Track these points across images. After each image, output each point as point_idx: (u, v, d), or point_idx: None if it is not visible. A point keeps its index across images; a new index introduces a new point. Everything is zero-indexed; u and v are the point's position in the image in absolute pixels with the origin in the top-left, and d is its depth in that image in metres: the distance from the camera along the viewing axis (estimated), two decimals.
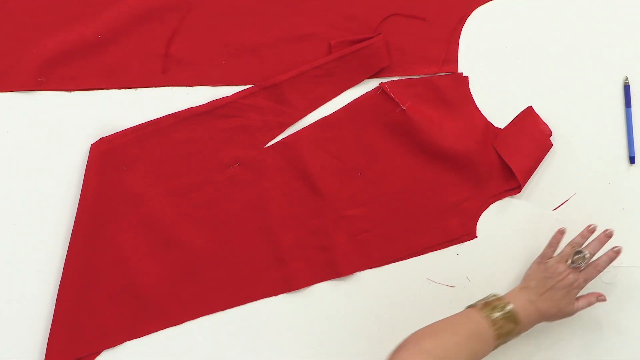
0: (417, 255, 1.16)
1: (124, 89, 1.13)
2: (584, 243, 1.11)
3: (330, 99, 1.15)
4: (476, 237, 1.17)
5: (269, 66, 1.14)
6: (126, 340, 1.12)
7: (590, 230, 1.11)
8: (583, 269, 1.09)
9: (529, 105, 1.17)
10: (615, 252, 1.10)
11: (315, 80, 1.14)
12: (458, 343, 0.97)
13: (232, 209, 1.13)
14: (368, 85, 1.15)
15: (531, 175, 1.17)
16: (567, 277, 1.07)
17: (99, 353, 1.12)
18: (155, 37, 1.12)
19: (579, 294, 1.10)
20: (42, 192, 1.11)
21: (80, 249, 1.10)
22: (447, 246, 1.17)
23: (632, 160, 1.18)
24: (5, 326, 1.11)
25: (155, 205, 1.11)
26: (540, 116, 1.17)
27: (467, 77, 1.17)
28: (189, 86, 1.13)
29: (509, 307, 1.03)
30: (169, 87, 1.13)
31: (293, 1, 1.14)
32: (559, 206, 1.18)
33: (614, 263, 1.16)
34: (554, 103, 1.17)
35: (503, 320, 1.02)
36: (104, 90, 1.12)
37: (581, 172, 1.18)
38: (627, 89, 1.18)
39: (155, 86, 1.13)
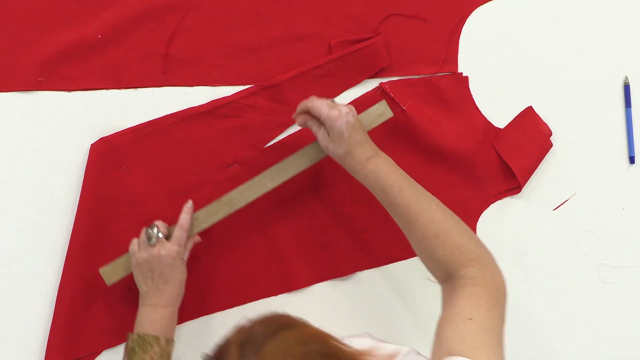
0: (417, 255, 1.16)
1: (124, 89, 1.13)
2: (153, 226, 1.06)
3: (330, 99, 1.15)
4: None
5: (269, 66, 1.14)
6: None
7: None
8: (161, 237, 1.04)
9: (529, 105, 1.17)
10: (188, 207, 1.07)
11: (315, 80, 1.14)
12: None
13: None
14: (368, 85, 1.15)
15: (531, 175, 1.17)
16: (158, 252, 1.03)
17: (99, 353, 1.12)
18: (155, 37, 1.12)
19: None
20: (42, 192, 1.11)
21: (80, 249, 1.10)
22: None
23: (632, 160, 1.18)
24: (5, 326, 1.11)
25: (155, 205, 1.11)
26: (540, 116, 1.17)
27: (467, 77, 1.17)
28: (189, 86, 1.13)
29: (134, 339, 1.01)
30: (169, 87, 1.13)
31: (293, 1, 1.14)
32: (559, 206, 1.18)
33: (613, 263, 1.16)
34: (554, 103, 1.17)
35: (144, 352, 1.00)
36: (104, 90, 1.12)
37: (581, 172, 1.18)
38: (627, 89, 1.18)
39: (155, 86, 1.13)
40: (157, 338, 1.01)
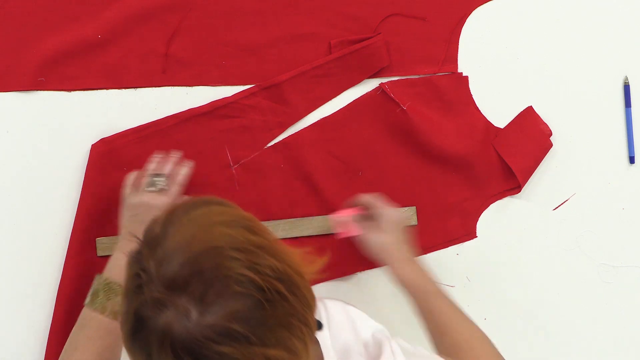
0: (417, 255, 1.16)
1: (124, 89, 1.12)
2: (159, 169, 1.07)
3: (330, 99, 1.15)
4: (476, 237, 1.17)
5: (269, 66, 1.14)
6: None
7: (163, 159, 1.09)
8: (164, 188, 1.04)
9: (529, 105, 1.17)
10: (186, 163, 1.08)
11: (315, 80, 1.14)
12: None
13: None
14: (368, 85, 1.15)
15: (531, 175, 1.17)
16: (152, 201, 1.02)
17: None
18: (155, 37, 1.12)
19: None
20: (42, 192, 1.11)
21: (80, 250, 1.10)
22: (447, 246, 1.17)
23: (632, 160, 1.18)
24: (5, 326, 1.11)
25: None
26: (540, 116, 1.17)
27: (467, 77, 1.17)
28: (189, 86, 1.13)
29: (101, 282, 1.00)
30: (169, 87, 1.13)
31: (293, 1, 1.14)
32: (559, 206, 1.18)
33: (613, 263, 1.16)
34: (554, 103, 1.17)
35: (107, 299, 0.99)
36: (104, 90, 1.12)
37: (581, 172, 1.18)
38: (627, 89, 1.18)
39: (155, 86, 1.13)
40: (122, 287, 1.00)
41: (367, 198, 1.08)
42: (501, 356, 0.97)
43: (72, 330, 1.01)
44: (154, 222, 0.74)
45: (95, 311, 0.99)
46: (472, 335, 0.98)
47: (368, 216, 1.08)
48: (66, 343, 1.00)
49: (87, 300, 1.01)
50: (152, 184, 1.04)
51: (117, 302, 0.99)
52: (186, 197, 0.79)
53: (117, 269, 1.01)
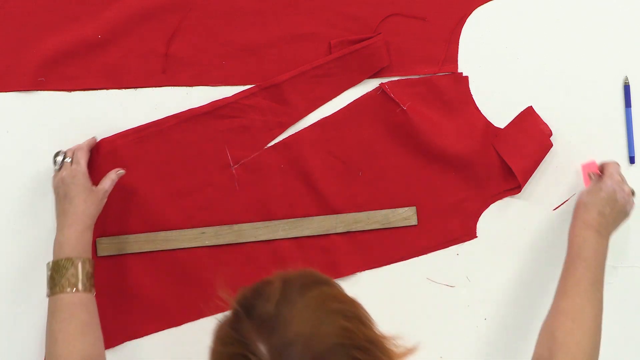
0: (417, 255, 1.16)
1: (124, 89, 1.13)
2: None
3: (330, 99, 1.15)
4: (476, 237, 1.17)
5: (269, 66, 1.14)
6: (126, 340, 1.12)
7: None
8: (66, 160, 1.07)
9: (529, 105, 1.17)
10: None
11: (315, 80, 1.14)
12: (75, 338, 0.97)
13: (233, 209, 1.13)
14: (368, 85, 1.15)
15: (531, 175, 1.17)
16: (63, 175, 1.05)
17: None
18: (155, 37, 1.12)
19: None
20: (43, 192, 1.11)
21: None
22: (447, 246, 1.17)
23: (632, 160, 1.18)
24: (6, 326, 1.11)
25: (156, 206, 1.12)
26: (540, 116, 1.17)
27: (467, 77, 1.17)
28: (189, 86, 1.13)
29: (50, 267, 1.02)
30: (169, 87, 1.13)
31: (293, 1, 1.14)
32: (559, 206, 1.18)
33: (613, 263, 1.16)
34: (554, 103, 1.17)
35: (62, 276, 1.00)
36: (104, 90, 1.12)
37: (581, 172, 1.18)
38: (627, 89, 1.18)
39: (155, 86, 1.13)
40: (70, 260, 1.00)
41: (614, 165, 1.10)
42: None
43: (46, 324, 1.01)
44: (260, 295, 0.73)
45: (57, 294, 1.00)
46: (579, 334, 0.97)
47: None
48: (46, 339, 1.00)
49: (47, 290, 1.02)
50: (55, 163, 1.07)
51: (72, 274, 1.00)
52: (292, 271, 0.80)
53: (57, 247, 1.03)
